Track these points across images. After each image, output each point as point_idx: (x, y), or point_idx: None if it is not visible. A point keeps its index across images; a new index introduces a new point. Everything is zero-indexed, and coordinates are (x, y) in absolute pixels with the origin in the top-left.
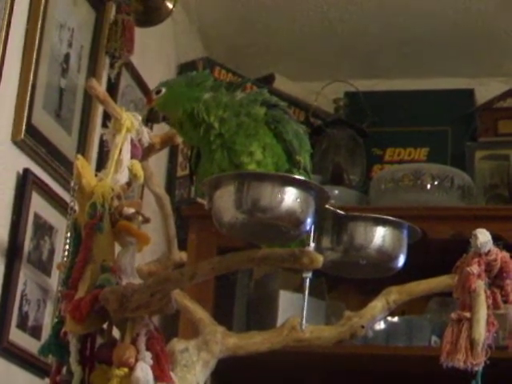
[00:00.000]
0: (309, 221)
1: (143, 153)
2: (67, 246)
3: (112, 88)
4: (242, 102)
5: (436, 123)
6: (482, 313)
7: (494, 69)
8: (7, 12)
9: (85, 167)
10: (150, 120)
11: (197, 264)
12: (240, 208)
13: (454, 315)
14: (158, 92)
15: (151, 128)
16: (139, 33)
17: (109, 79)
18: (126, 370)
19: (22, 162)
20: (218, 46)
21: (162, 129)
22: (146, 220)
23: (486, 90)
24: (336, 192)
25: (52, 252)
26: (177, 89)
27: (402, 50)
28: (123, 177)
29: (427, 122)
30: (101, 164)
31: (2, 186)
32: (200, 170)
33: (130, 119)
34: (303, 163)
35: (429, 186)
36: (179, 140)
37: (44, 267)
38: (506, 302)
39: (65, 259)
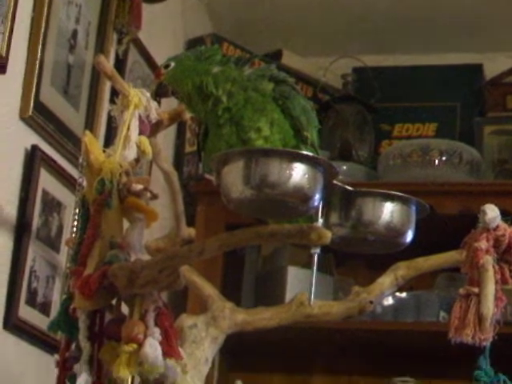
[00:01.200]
0: (317, 197)
1: (151, 129)
2: (75, 223)
3: (120, 64)
4: (250, 77)
5: (444, 99)
6: (490, 288)
7: (502, 44)
8: None
9: (93, 143)
10: (158, 94)
11: (205, 240)
12: (248, 184)
13: (462, 290)
14: (167, 66)
15: (160, 102)
16: (147, 9)
17: (116, 55)
18: (134, 345)
19: (30, 138)
20: (225, 22)
21: (170, 105)
22: (154, 196)
23: (494, 65)
24: (344, 168)
25: (60, 228)
26: (186, 62)
27: (410, 26)
28: (131, 153)
29: (435, 97)
30: (109, 140)
31: (10, 163)
32: (208, 146)
33: (138, 95)
34: (311, 139)
35: (437, 162)
36: (187, 116)
37: (52, 243)
38: None
39: (73, 235)
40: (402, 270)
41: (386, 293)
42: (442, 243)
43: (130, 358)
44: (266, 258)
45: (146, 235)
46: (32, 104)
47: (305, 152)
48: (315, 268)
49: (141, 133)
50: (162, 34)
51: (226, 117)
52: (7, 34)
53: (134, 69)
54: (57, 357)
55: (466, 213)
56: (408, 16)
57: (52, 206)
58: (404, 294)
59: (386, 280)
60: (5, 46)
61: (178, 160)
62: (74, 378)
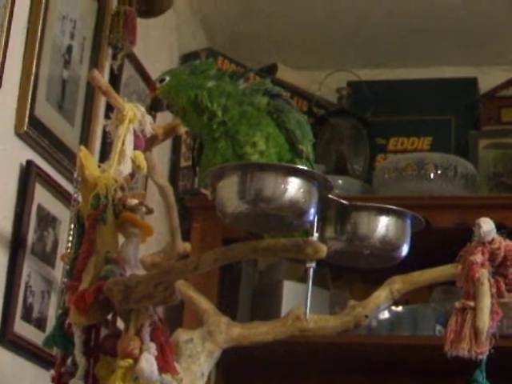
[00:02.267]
0: (312, 211)
1: (146, 144)
2: (71, 238)
3: (115, 79)
4: (244, 91)
5: (439, 112)
6: (486, 301)
7: (497, 57)
8: (9, 4)
9: (88, 158)
10: (153, 108)
11: (200, 255)
12: (243, 198)
13: (458, 304)
14: (162, 81)
15: (155, 117)
16: (141, 24)
17: (111, 70)
18: (130, 361)
19: (25, 153)
20: (220, 36)
21: (164, 119)
22: (150, 211)
23: (489, 79)
24: (340, 182)
25: (56, 243)
26: (180, 76)
27: (404, 40)
28: (126, 168)
29: (430, 110)
30: (104, 155)
31: (5, 178)
32: (203, 161)
33: (133, 110)
34: (306, 152)
35: (432, 175)
36: (182, 130)
37: (48, 259)
38: (509, 290)
39: (68, 250)
40: (397, 283)
41: (382, 307)
42: (437, 257)
43: (125, 373)
44: (262, 273)
45: (142, 250)
46: (27, 119)
47: (300, 166)
48: (311, 282)
49: (136, 147)
50: (157, 48)
51: (222, 130)
52: (2, 50)
53: (129, 84)
54: (52, 372)
55: (461, 226)
56: (402, 30)
57: (47, 221)
58: (400, 308)
59: (381, 294)
60: None
61: (174, 174)
62: None
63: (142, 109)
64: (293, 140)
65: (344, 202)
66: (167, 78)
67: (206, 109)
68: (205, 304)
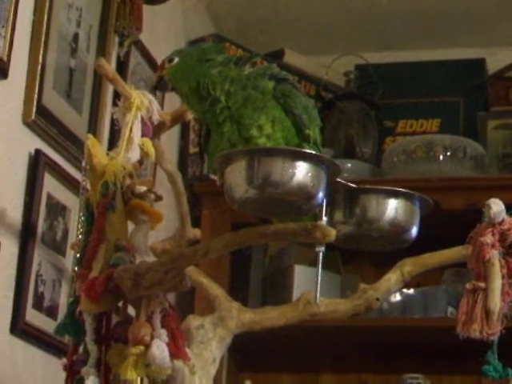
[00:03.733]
0: (320, 195)
1: (154, 130)
2: (80, 226)
3: (122, 66)
4: (249, 75)
5: (447, 94)
6: (497, 282)
7: (504, 38)
8: None
9: (96, 146)
10: (158, 88)
11: (210, 240)
12: (251, 183)
13: (468, 286)
14: (171, 61)
15: (163, 97)
16: (147, 10)
17: (118, 58)
18: (141, 347)
19: (34, 143)
20: (227, 22)
21: (172, 105)
22: (159, 198)
23: (497, 60)
24: (349, 165)
25: (66, 232)
26: (188, 61)
27: (411, 22)
28: (134, 155)
29: (439, 92)
30: (112, 143)
31: (14, 168)
32: (210, 146)
33: (140, 97)
34: (313, 137)
35: (441, 157)
36: (190, 116)
37: (58, 247)
38: None
39: (78, 239)
40: (408, 266)
41: (393, 289)
42: (447, 238)
43: (137, 360)
44: (272, 258)
45: (152, 237)
46: (35, 108)
47: (307, 150)
48: (320, 266)
49: (143, 135)
50: (164, 35)
51: (226, 114)
52: (8, 39)
53: (136, 71)
54: (64, 360)
55: (471, 208)
56: (409, 12)
57: (57, 209)
58: (411, 291)
59: (392, 277)
60: (6, 51)
61: (183, 161)
62: (81, 381)
63: (150, 96)
64: (299, 124)
65: (352, 185)
66: (176, 60)
67: (208, 95)
68: (216, 290)
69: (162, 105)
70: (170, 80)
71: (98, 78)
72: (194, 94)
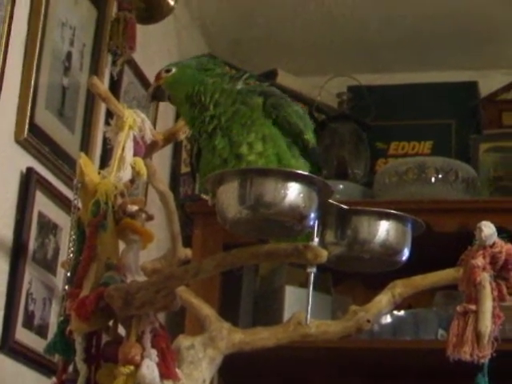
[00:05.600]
0: (312, 216)
1: (146, 150)
2: (71, 244)
3: (115, 85)
4: (240, 91)
5: (440, 116)
6: (488, 305)
7: (497, 61)
8: (9, 11)
9: (88, 165)
10: (155, 97)
11: (201, 260)
12: (243, 204)
13: (459, 308)
14: (168, 71)
15: (157, 106)
16: (141, 30)
17: (111, 77)
18: (131, 367)
19: (26, 161)
20: (220, 42)
21: (165, 125)
22: (150, 217)
23: (489, 82)
24: (340, 186)
25: (57, 250)
26: (186, 70)
27: (404, 44)
28: (126, 174)
29: (431, 115)
30: (104, 162)
31: (5, 186)
32: (202, 164)
33: (133, 116)
34: (311, 142)
35: (433, 179)
36: (182, 136)
37: (49, 266)
38: (511, 294)
39: (69, 257)
40: (399, 288)
41: (384, 311)
42: (439, 261)
43: (127, 380)
44: (263, 278)
45: (143, 256)
46: (27, 126)
47: (299, 171)
48: (311, 287)
49: (136, 154)
50: (157, 54)
51: (215, 123)
52: (1, 56)
53: (129, 90)
54: (54, 379)
55: (462, 230)
56: (402, 34)
57: (48, 228)
58: (402, 313)
59: (383, 298)
60: None
61: (174, 180)
62: None
63: (142, 115)
64: (296, 131)
65: (344, 206)
66: (173, 70)
67: (198, 102)
68: (206, 310)
69: (154, 124)
70: (168, 88)
71: (91, 97)
72: (187, 100)
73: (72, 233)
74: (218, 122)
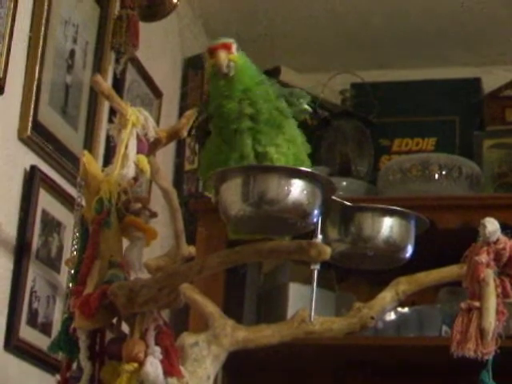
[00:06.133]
0: (316, 212)
1: (149, 147)
2: (75, 242)
3: (118, 83)
4: (276, 96)
5: (443, 113)
6: (492, 302)
7: (500, 57)
8: (12, 9)
9: (91, 163)
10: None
11: (205, 258)
12: (247, 201)
13: (463, 305)
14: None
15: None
16: (144, 28)
17: (114, 74)
18: (135, 364)
19: (29, 158)
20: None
21: (168, 123)
22: (154, 214)
23: (492, 79)
24: (344, 183)
25: (60, 248)
26: (246, 60)
27: (407, 41)
28: (130, 172)
29: (434, 111)
30: (108, 159)
31: (9, 184)
32: (210, 150)
33: (136, 114)
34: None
35: (437, 176)
36: (185, 134)
37: (53, 263)
38: None
39: (73, 255)
40: (403, 285)
41: (388, 308)
42: (442, 257)
43: (130, 377)
44: (267, 275)
45: (147, 254)
46: (30, 124)
47: (303, 168)
48: (315, 284)
49: (139, 151)
50: (160, 52)
51: (248, 125)
52: (5, 55)
53: (132, 88)
54: (58, 377)
55: (466, 227)
56: (405, 31)
57: (52, 226)
58: (406, 309)
59: (387, 295)
60: (2, 67)
61: (178, 178)
62: None
63: (145, 112)
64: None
65: (348, 203)
66: (234, 48)
67: (245, 97)
68: (210, 307)
69: (157, 122)
70: (234, 67)
71: (94, 95)
72: (236, 88)
73: (75, 230)
74: (253, 122)
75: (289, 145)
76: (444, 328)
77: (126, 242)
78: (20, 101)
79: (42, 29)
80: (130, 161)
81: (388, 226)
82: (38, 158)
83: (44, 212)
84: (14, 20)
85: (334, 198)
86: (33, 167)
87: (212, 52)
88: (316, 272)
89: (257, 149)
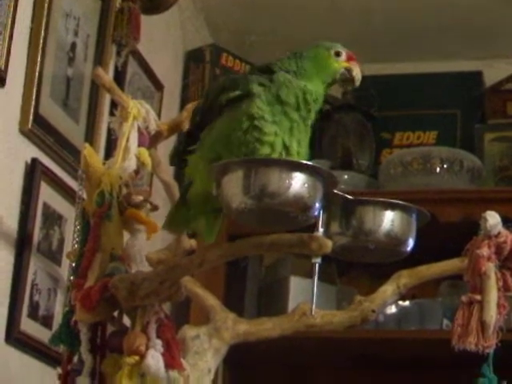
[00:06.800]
0: (317, 206)
1: (151, 140)
2: (76, 235)
3: (119, 76)
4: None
5: (445, 106)
6: (493, 295)
7: (502, 51)
8: (13, 2)
9: (92, 156)
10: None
11: (205, 251)
12: (248, 194)
13: (464, 298)
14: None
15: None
16: (145, 20)
17: (116, 67)
18: (136, 357)
19: (30, 151)
20: (224, 33)
21: (169, 115)
22: (155, 207)
23: (494, 72)
24: (345, 177)
25: (62, 241)
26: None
27: (408, 34)
28: (131, 165)
29: (436, 105)
30: (109, 152)
31: (10, 176)
32: (228, 133)
33: (137, 107)
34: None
35: (438, 170)
36: (187, 127)
37: (54, 256)
38: None
39: (74, 248)
40: (404, 278)
41: (389, 301)
42: (444, 251)
43: (132, 369)
44: (268, 269)
45: (148, 247)
46: (31, 117)
47: (304, 161)
48: (316, 277)
49: (140, 144)
50: (161, 45)
51: (293, 124)
52: (6, 48)
53: (133, 81)
54: (59, 370)
55: (467, 220)
56: (406, 24)
57: (53, 218)
58: (407, 303)
59: (388, 288)
60: (4, 60)
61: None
62: None
63: (147, 105)
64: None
65: (349, 196)
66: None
67: (303, 102)
68: (211, 300)
69: (158, 114)
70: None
71: (95, 88)
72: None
73: (77, 223)
74: (296, 124)
75: (300, 144)
76: (445, 321)
77: (127, 235)
78: (21, 93)
79: (44, 21)
80: (131, 154)
81: (389, 219)
82: (39, 150)
83: (45, 205)
84: (15, 12)
85: (335, 191)
86: (34, 160)
87: (351, 59)
88: (317, 265)
89: (285, 142)
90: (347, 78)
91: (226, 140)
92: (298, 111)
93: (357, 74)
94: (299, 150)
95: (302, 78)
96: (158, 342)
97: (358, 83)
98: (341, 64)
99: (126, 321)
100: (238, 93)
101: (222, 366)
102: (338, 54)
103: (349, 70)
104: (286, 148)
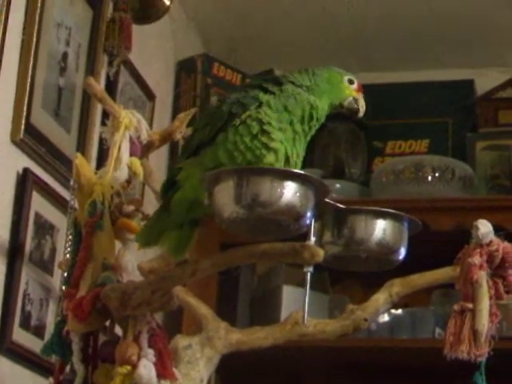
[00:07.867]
0: (309, 215)
1: (142, 150)
2: (68, 245)
3: (111, 86)
4: None
5: (436, 115)
6: (485, 304)
7: (493, 59)
8: (4, 12)
9: (84, 165)
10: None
11: (197, 260)
12: (240, 203)
13: (456, 307)
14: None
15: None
16: (137, 30)
17: (107, 77)
18: (128, 367)
19: (22, 161)
20: (216, 42)
21: (161, 125)
22: (146, 217)
23: (485, 81)
24: (337, 186)
25: (53, 251)
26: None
27: (400, 43)
28: (122, 174)
29: (427, 113)
30: (101, 162)
31: (2, 186)
32: (234, 141)
33: (129, 116)
34: None
35: (430, 178)
36: (179, 136)
37: (46, 266)
38: (508, 292)
39: (66, 258)
40: (396, 286)
41: (381, 310)
42: (436, 259)
43: (124, 379)
44: (260, 278)
45: (140, 256)
46: (23, 127)
47: (296, 170)
48: (308, 286)
49: (132, 154)
50: (153, 55)
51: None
52: None
53: (125, 90)
54: (51, 380)
55: (459, 228)
56: (398, 33)
57: (45, 228)
58: (399, 311)
59: (380, 297)
60: None
61: None
62: None
63: (138, 115)
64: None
65: (340, 205)
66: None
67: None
68: (203, 310)
69: (150, 124)
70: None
71: (87, 97)
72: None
73: (68, 233)
74: (298, 137)
75: (303, 153)
76: (437, 330)
77: (118, 245)
78: (13, 103)
79: (35, 31)
80: (122, 163)
81: (381, 228)
82: (31, 160)
83: (37, 215)
84: (6, 22)
85: (327, 200)
86: (25, 170)
87: (361, 91)
88: (309, 274)
89: (288, 152)
90: (353, 108)
91: (231, 147)
92: (302, 124)
93: (362, 106)
94: (297, 161)
95: (313, 93)
96: (150, 352)
97: (361, 115)
98: (352, 92)
99: (118, 330)
100: (248, 113)
101: (214, 375)
102: (351, 82)
103: (356, 100)
104: (287, 158)
